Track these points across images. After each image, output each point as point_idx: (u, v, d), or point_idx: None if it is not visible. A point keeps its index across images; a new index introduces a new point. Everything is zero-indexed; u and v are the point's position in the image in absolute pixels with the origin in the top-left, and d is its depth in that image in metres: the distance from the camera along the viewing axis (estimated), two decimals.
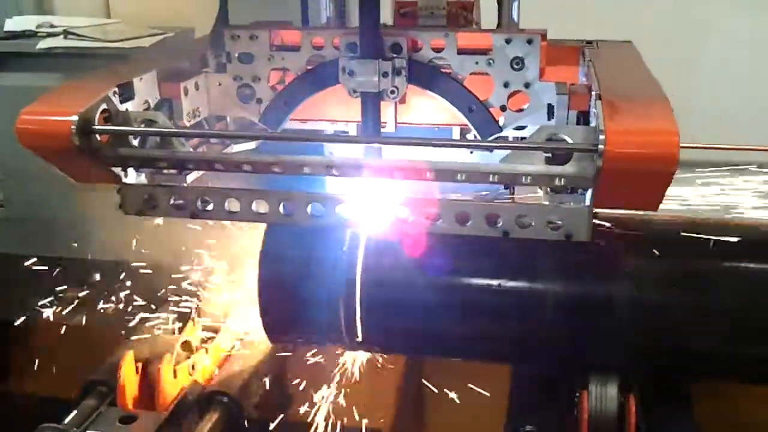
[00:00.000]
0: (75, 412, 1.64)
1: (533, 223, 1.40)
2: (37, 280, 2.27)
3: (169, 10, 3.89)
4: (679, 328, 1.50)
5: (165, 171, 1.57)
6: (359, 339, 1.65)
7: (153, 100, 1.66)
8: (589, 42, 1.91)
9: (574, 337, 1.55)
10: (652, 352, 1.54)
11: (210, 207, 1.52)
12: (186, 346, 1.82)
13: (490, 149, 1.57)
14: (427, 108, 1.80)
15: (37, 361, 2.24)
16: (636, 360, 1.55)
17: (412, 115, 1.82)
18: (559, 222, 1.39)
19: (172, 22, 3.70)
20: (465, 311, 1.57)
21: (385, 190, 1.57)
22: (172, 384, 1.72)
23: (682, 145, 1.19)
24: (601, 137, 1.22)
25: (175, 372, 1.73)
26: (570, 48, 1.84)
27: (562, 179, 1.32)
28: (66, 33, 3.99)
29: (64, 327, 2.16)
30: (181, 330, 1.86)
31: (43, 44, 3.92)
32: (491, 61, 1.66)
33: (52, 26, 4.28)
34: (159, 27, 3.47)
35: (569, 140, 1.33)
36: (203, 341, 1.88)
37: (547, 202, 1.40)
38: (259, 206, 1.50)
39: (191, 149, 1.50)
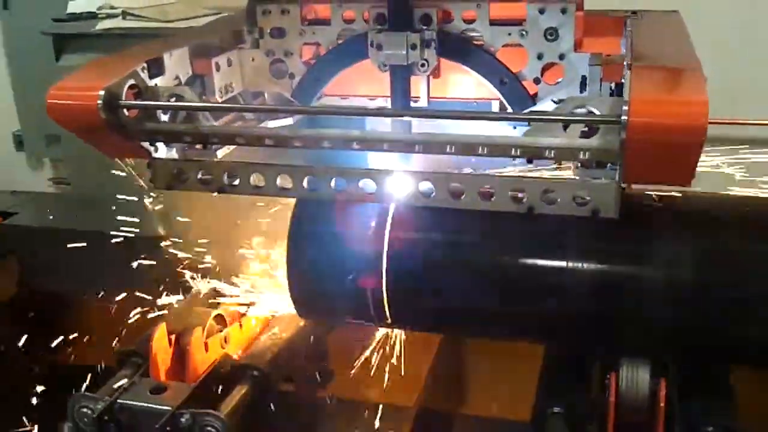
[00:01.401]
0: (109, 381, 1.68)
1: (559, 199, 1.36)
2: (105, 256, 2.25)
3: None
4: (715, 311, 1.43)
5: (197, 146, 1.59)
6: (388, 320, 1.64)
7: (184, 76, 1.66)
8: (635, 12, 1.84)
9: (605, 318, 1.50)
10: (686, 336, 1.48)
11: (236, 182, 1.52)
12: (219, 319, 1.84)
13: (512, 121, 1.52)
14: (463, 82, 1.77)
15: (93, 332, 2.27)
16: (669, 344, 1.49)
17: (447, 90, 1.79)
18: (587, 197, 1.35)
19: (229, 1, 3.74)
20: (493, 289, 1.54)
21: (415, 164, 1.55)
22: (203, 356, 1.74)
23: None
24: (625, 108, 1.16)
25: (206, 345, 1.75)
26: (612, 18, 1.77)
27: (587, 153, 1.27)
28: (124, 14, 4.07)
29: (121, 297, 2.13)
30: (216, 304, 1.88)
31: (102, 25, 4.01)
32: (524, 32, 1.61)
33: (112, 8, 4.37)
34: (216, 7, 3.50)
35: (596, 112, 1.28)
36: (239, 315, 1.89)
37: (574, 177, 1.35)
38: (284, 181, 1.50)
39: (215, 124, 1.50)
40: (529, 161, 1.33)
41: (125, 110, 1.46)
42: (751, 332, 1.46)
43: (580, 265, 1.48)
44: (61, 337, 2.21)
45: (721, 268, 1.43)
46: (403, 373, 1.95)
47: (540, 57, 1.62)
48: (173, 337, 1.75)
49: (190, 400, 1.60)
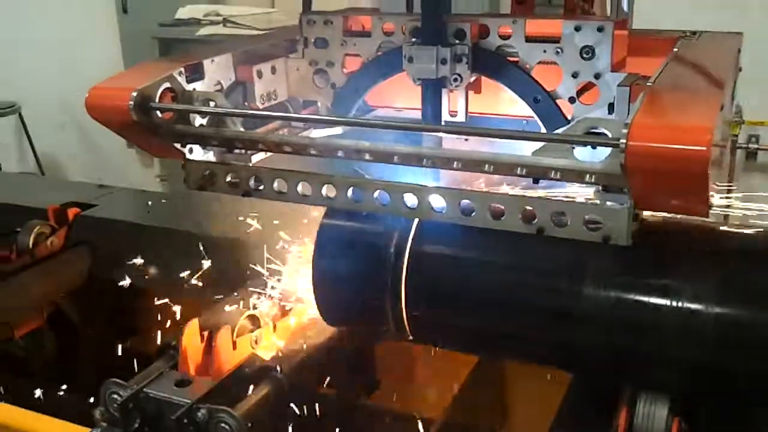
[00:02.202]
0: (144, 371, 1.75)
1: (570, 222, 1.32)
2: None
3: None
4: (737, 348, 1.35)
5: (236, 151, 1.64)
6: (408, 335, 1.63)
7: (227, 82, 1.73)
8: (694, 33, 1.76)
9: (621, 350, 1.44)
10: (706, 374, 1.39)
11: (261, 186, 1.57)
12: (252, 319, 1.88)
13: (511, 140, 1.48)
14: (505, 98, 1.74)
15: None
16: (689, 381, 1.42)
17: (488, 106, 1.77)
18: (599, 222, 1.30)
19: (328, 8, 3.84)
20: (508, 312, 1.50)
21: (438, 178, 1.55)
22: (231, 354, 1.78)
23: None
24: (624, 131, 1.12)
25: (234, 344, 1.80)
26: (664, 39, 1.71)
27: (593, 176, 1.23)
28: (225, 21, 4.26)
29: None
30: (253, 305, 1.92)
31: (203, 31, 4.22)
32: (559, 50, 1.57)
33: (217, 15, 4.59)
34: None
35: (608, 134, 1.24)
36: (276, 317, 1.93)
37: (586, 200, 1.31)
38: (304, 188, 1.53)
39: (241, 129, 1.54)
40: (536, 181, 1.29)
41: (158, 112, 1.53)
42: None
43: (597, 293, 1.42)
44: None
45: (744, 305, 1.34)
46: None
47: (575, 75, 1.57)
48: (205, 333, 1.80)
49: (209, 395, 1.64)
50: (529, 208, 1.34)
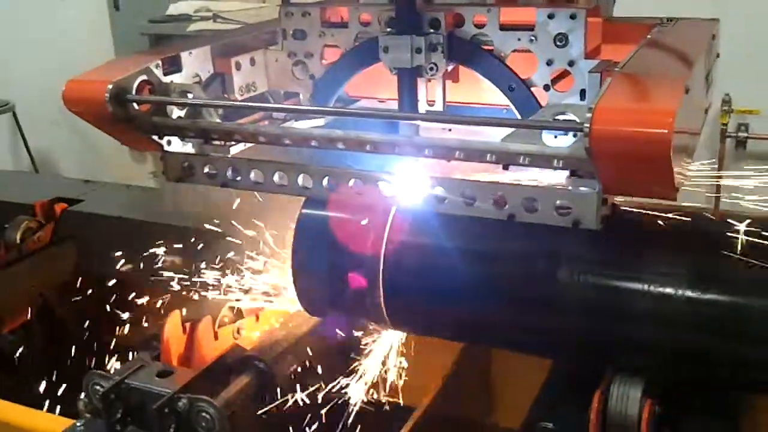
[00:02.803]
0: (127, 363, 1.77)
1: (540, 208, 1.33)
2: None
3: None
4: (710, 332, 1.36)
5: (214, 143, 1.65)
6: (387, 321, 1.64)
7: (205, 74, 1.74)
8: (670, 19, 1.77)
9: (596, 333, 1.45)
10: (679, 357, 1.41)
11: (238, 177, 1.58)
12: (234, 310, 1.89)
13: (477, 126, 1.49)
14: (481, 87, 1.75)
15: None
16: (663, 364, 1.43)
17: (464, 94, 1.78)
18: (569, 207, 1.31)
19: None
20: (484, 298, 1.52)
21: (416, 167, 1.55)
22: (213, 345, 1.80)
23: None
24: (588, 115, 1.13)
25: (216, 334, 1.81)
26: (641, 26, 1.71)
27: (560, 160, 1.24)
28: (215, 17, 4.26)
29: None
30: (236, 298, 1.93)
31: (194, 27, 4.22)
32: (533, 38, 1.58)
33: (208, 10, 4.58)
34: None
35: (576, 119, 1.25)
36: (258, 308, 1.95)
37: (556, 186, 1.32)
38: (281, 178, 1.54)
39: (219, 120, 1.55)
40: (505, 167, 1.30)
41: (135, 104, 1.54)
42: (748, 354, 1.38)
43: (569, 278, 1.43)
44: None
45: (715, 288, 1.35)
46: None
47: (549, 63, 1.58)
48: (188, 324, 1.82)
49: (190, 385, 1.66)
50: (500, 194, 1.35)
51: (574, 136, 1.22)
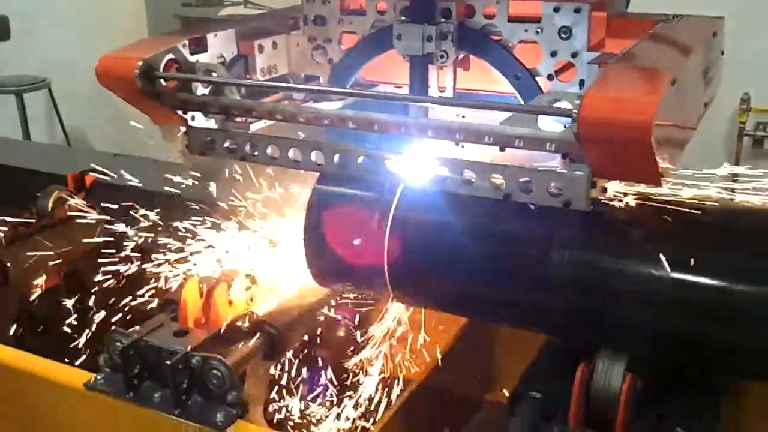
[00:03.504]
0: (146, 322, 1.88)
1: (534, 189, 1.42)
2: None
3: None
4: (695, 315, 1.44)
5: (236, 119, 1.76)
6: (390, 294, 1.74)
7: (229, 55, 1.84)
8: (676, 16, 1.84)
9: (584, 311, 1.54)
10: (664, 338, 1.49)
11: (256, 152, 1.68)
12: (249, 278, 2.01)
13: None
14: (491, 75, 1.84)
15: None
16: (648, 343, 1.51)
17: (474, 82, 1.87)
18: (561, 189, 1.40)
19: None
20: (482, 274, 1.61)
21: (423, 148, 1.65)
22: (227, 310, 1.91)
23: None
24: (576, 102, 1.22)
25: (230, 300, 1.92)
26: (646, 21, 1.79)
27: (552, 144, 1.33)
28: (246, 2, 4.37)
29: None
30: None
31: (224, 11, 4.33)
32: (539, 30, 1.66)
33: None
34: None
35: (569, 106, 1.33)
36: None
37: (550, 169, 1.41)
38: (295, 154, 1.64)
39: (239, 98, 1.66)
40: (502, 149, 1.39)
41: (162, 81, 1.65)
42: (733, 339, 1.46)
43: (562, 256, 1.52)
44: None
45: (700, 271, 1.43)
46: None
47: (554, 54, 1.66)
48: (204, 289, 1.93)
49: (203, 345, 1.77)
50: (497, 175, 1.44)
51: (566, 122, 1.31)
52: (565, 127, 1.31)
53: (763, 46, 4.07)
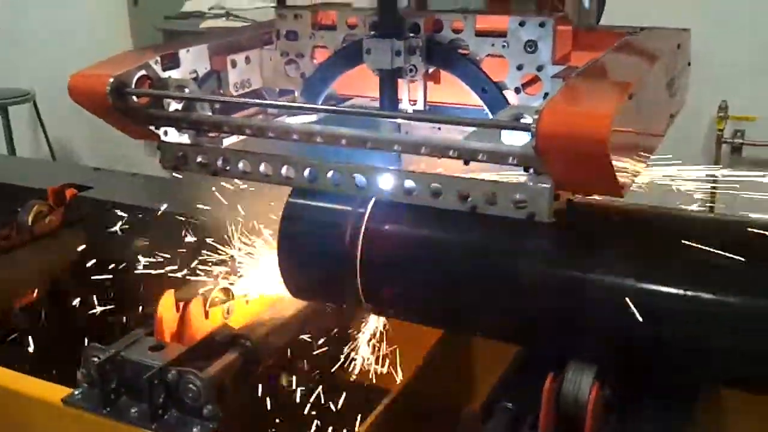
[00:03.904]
0: (123, 338, 1.89)
1: (499, 201, 1.44)
2: None
3: None
4: (660, 323, 1.46)
5: (210, 134, 1.78)
6: (363, 304, 1.76)
7: (202, 70, 1.86)
8: (643, 28, 1.88)
9: (555, 320, 1.56)
10: (630, 346, 1.51)
11: (228, 167, 1.70)
12: (225, 291, 2.02)
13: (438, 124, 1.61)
14: (461, 88, 1.86)
15: None
16: (615, 352, 1.53)
17: (445, 95, 1.89)
18: (524, 201, 1.42)
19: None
20: (449, 283, 1.63)
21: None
22: (203, 324, 1.93)
23: None
24: (535, 116, 1.24)
25: (206, 313, 1.94)
26: (612, 34, 1.82)
27: (514, 158, 1.35)
28: (228, 14, 4.39)
29: None
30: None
31: (206, 24, 4.34)
32: (506, 44, 1.69)
33: (221, 8, 4.71)
34: None
35: (530, 121, 1.36)
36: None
37: (514, 182, 1.43)
38: (266, 168, 1.66)
39: (209, 113, 1.68)
40: (466, 163, 1.41)
41: (134, 97, 1.67)
42: (697, 345, 1.48)
43: (530, 266, 1.55)
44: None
45: (663, 279, 1.46)
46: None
47: (520, 68, 1.69)
48: (181, 304, 1.94)
49: (179, 359, 1.78)
50: (464, 187, 1.46)
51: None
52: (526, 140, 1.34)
53: (740, 54, 4.12)
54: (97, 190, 2.80)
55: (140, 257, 2.36)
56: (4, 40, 6.54)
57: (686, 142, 4.41)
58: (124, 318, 2.40)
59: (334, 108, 1.61)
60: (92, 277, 2.59)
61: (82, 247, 2.62)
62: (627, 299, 1.46)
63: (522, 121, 1.33)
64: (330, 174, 1.59)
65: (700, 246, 1.44)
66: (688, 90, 1.94)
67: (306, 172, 1.61)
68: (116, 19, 5.86)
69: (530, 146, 1.28)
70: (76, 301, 2.57)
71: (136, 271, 2.37)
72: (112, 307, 2.42)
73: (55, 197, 2.73)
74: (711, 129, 4.36)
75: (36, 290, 2.59)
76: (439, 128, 1.81)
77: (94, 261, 2.59)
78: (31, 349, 2.39)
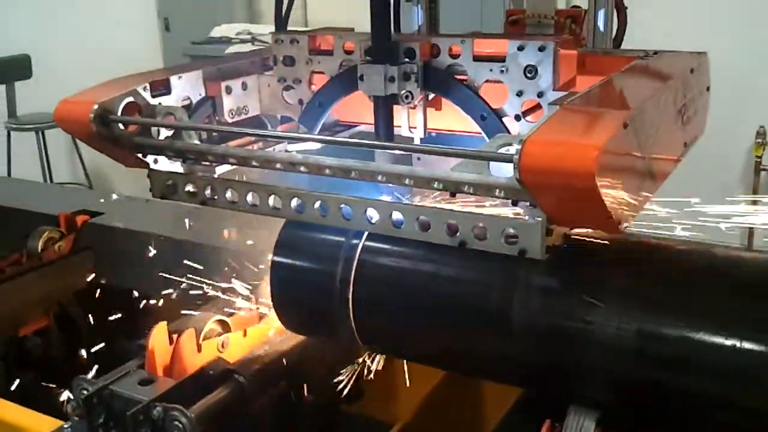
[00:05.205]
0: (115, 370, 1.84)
1: (489, 236, 1.35)
2: None
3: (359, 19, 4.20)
4: (657, 363, 1.36)
5: (204, 163, 1.73)
6: (357, 341, 1.68)
7: (196, 97, 1.82)
8: (656, 52, 1.78)
9: (548, 364, 1.46)
10: (628, 388, 1.41)
11: (216, 197, 1.64)
12: (221, 324, 1.96)
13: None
14: (463, 115, 1.79)
15: None
16: (612, 395, 1.43)
17: (446, 122, 1.82)
18: (515, 236, 1.33)
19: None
20: (443, 322, 1.54)
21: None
22: (195, 357, 1.86)
23: None
24: (517, 147, 1.16)
25: (200, 347, 1.88)
26: (621, 58, 1.73)
27: (501, 190, 1.27)
28: (254, 40, 4.39)
29: None
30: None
31: (231, 49, 4.34)
32: (504, 69, 1.61)
33: (248, 33, 4.73)
34: None
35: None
36: (247, 323, 2.01)
37: (504, 216, 1.34)
38: (253, 198, 1.60)
39: (196, 142, 1.62)
40: (452, 195, 1.33)
41: (120, 124, 1.63)
42: (700, 390, 1.37)
43: (524, 307, 1.45)
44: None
45: (664, 320, 1.35)
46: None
47: (519, 94, 1.61)
48: (175, 336, 1.89)
49: (167, 395, 1.72)
50: (452, 221, 1.38)
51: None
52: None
53: None
54: (107, 216, 2.78)
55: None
56: (39, 67, 6.66)
57: (724, 168, 4.26)
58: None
59: (316, 137, 1.55)
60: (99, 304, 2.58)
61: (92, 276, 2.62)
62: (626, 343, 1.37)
63: (506, 151, 1.25)
64: (317, 204, 1.52)
65: (710, 283, 1.34)
66: (707, 116, 1.83)
67: (293, 203, 1.55)
68: (148, 44, 5.92)
69: (515, 179, 1.20)
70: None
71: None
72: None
73: (66, 223, 2.72)
74: (748, 155, 4.20)
75: (44, 318, 2.57)
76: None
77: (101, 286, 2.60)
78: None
